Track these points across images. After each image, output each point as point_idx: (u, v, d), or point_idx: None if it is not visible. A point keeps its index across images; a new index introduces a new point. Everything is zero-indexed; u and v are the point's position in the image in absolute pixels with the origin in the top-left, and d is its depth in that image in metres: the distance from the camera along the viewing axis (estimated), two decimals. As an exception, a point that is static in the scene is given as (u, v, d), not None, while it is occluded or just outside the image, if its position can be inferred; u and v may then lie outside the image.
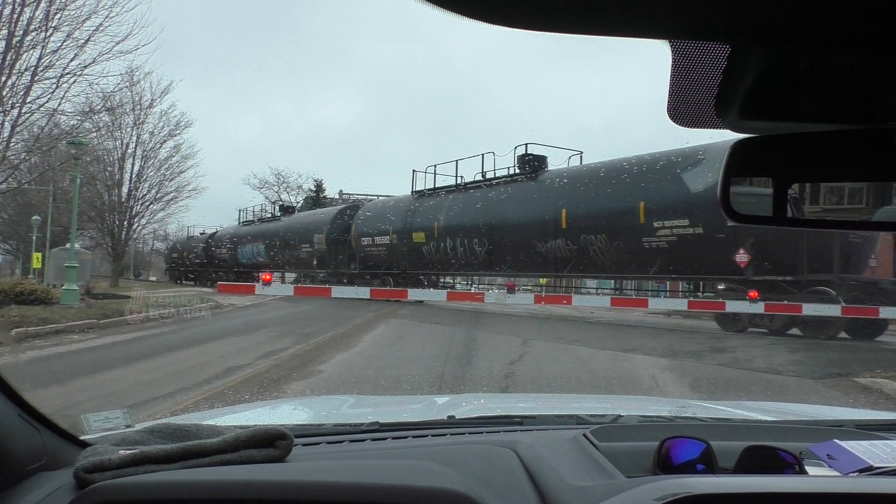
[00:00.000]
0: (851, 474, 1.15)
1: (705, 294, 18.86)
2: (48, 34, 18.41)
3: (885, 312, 13.85)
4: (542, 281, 26.44)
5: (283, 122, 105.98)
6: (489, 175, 22.49)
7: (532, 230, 19.03)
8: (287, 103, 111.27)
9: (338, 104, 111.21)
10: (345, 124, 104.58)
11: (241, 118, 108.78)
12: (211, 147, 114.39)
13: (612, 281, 22.43)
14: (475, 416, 1.93)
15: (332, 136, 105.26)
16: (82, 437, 1.39)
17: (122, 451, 1.21)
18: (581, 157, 21.56)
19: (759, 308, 14.26)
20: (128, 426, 1.53)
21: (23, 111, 18.97)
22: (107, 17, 19.04)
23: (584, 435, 1.38)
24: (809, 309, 13.76)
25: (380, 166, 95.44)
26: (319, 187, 50.71)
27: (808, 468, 1.17)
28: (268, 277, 18.44)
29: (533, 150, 20.90)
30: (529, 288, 26.79)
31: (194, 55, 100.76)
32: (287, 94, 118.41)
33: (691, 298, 18.21)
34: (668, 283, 20.41)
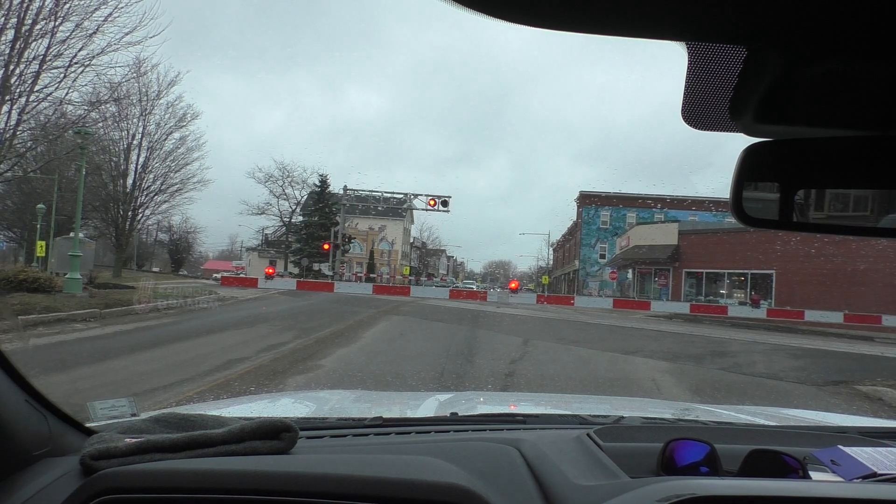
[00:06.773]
0: (855, 480, 1.15)
1: None
2: (57, 23, 18.47)
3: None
4: (545, 279, 26.16)
5: (305, 114, 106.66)
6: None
7: None
8: (314, 95, 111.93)
9: (363, 98, 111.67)
10: (370, 118, 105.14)
11: (264, 111, 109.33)
12: (223, 139, 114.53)
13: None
14: (478, 413, 1.94)
15: (356, 129, 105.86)
16: (88, 425, 1.39)
17: (128, 440, 1.22)
18: None
19: (761, 313, 14.24)
20: (133, 415, 1.54)
21: (30, 100, 19.05)
22: (116, 7, 19.08)
23: (588, 434, 1.38)
24: (814, 315, 13.75)
25: (399, 163, 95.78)
26: (324, 182, 50.62)
27: (812, 473, 1.17)
28: (270, 271, 18.51)
29: None
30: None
31: (216, 45, 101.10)
32: (313, 86, 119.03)
33: (693, 302, 17.84)
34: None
